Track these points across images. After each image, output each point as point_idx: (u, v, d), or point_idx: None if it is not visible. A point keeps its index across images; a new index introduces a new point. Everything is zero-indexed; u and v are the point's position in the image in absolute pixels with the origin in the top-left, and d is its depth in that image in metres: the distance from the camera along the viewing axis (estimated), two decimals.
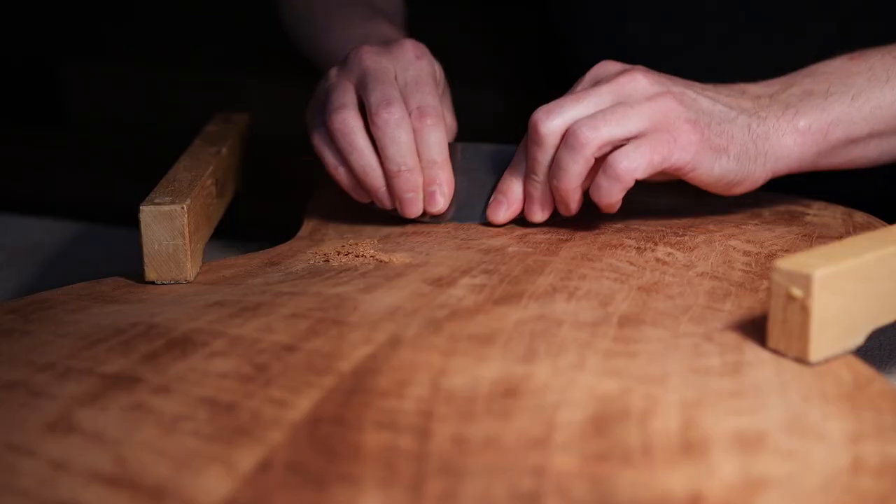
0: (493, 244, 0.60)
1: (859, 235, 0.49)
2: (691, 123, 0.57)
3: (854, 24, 0.78)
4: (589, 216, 0.65)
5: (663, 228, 0.62)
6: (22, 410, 0.41)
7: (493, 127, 1.20)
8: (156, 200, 0.57)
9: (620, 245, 0.59)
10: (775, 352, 0.46)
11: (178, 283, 0.57)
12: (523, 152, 0.61)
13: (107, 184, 1.31)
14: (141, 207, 0.56)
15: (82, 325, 0.50)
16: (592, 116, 0.57)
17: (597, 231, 0.62)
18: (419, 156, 0.62)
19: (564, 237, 0.61)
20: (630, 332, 0.47)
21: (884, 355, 0.58)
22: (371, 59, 0.63)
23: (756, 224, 0.63)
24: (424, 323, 0.48)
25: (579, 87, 0.61)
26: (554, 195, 0.61)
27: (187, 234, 0.56)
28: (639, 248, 0.59)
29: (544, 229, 0.63)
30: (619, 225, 0.63)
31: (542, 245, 0.59)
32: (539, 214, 0.62)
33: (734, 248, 0.59)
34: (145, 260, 0.57)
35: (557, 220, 0.64)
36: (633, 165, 0.57)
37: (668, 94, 0.58)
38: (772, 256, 0.58)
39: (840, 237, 0.61)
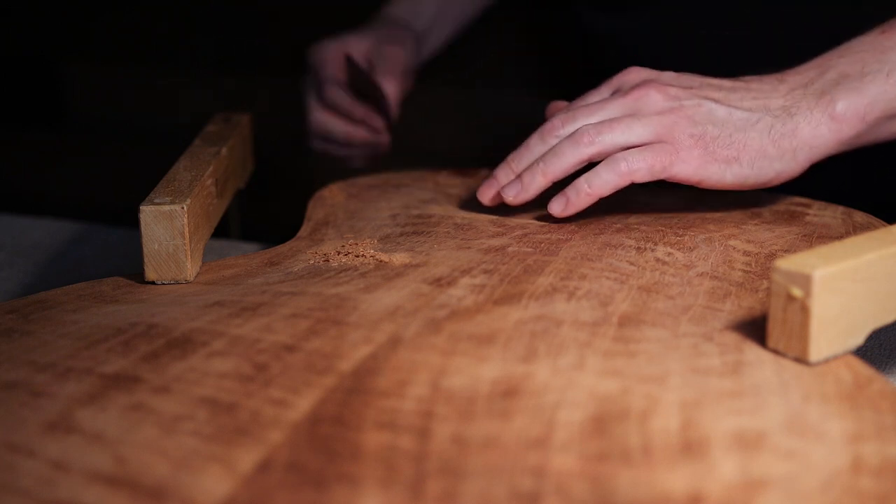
0: (493, 244, 0.60)
1: (859, 235, 0.49)
2: (695, 139, 0.61)
3: None
4: (589, 216, 0.65)
5: (663, 228, 0.62)
6: (22, 410, 0.41)
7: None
8: (156, 200, 0.57)
9: (620, 245, 0.59)
10: (775, 352, 0.46)
11: (178, 283, 0.57)
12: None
13: (107, 184, 1.31)
14: (141, 207, 0.56)
15: (82, 325, 0.50)
16: (600, 123, 0.62)
17: (597, 231, 0.62)
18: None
19: (564, 237, 0.61)
20: (630, 332, 0.47)
21: (884, 355, 0.58)
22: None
23: (756, 224, 0.63)
24: (424, 323, 0.48)
25: (596, 96, 0.65)
26: (524, 178, 0.63)
27: (187, 234, 0.56)
28: (639, 248, 0.59)
29: (544, 229, 0.63)
30: (618, 225, 0.63)
31: (542, 245, 0.59)
32: (489, 199, 0.66)
33: (734, 248, 0.59)
34: (145, 260, 0.57)
35: (557, 220, 0.64)
36: (634, 167, 0.60)
37: (677, 110, 0.62)
38: (772, 256, 0.58)
39: (840, 237, 0.61)
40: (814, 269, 0.44)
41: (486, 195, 0.66)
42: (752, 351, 0.46)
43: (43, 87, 1.36)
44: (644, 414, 0.40)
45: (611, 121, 0.62)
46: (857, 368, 0.44)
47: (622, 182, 0.61)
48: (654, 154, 0.60)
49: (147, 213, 0.56)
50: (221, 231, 0.71)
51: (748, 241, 0.60)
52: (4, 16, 1.34)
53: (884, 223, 0.63)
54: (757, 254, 0.59)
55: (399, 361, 0.44)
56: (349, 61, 0.87)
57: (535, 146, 0.64)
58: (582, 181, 0.61)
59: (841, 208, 0.67)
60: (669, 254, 0.58)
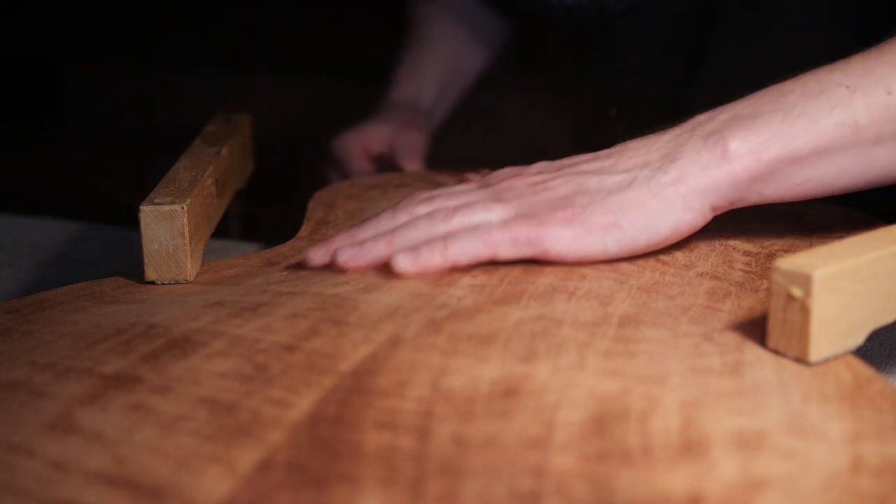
0: None
1: (859, 235, 0.49)
2: (563, 211, 0.55)
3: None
4: None
5: None
6: (22, 410, 0.41)
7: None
8: (156, 200, 0.57)
9: None
10: (775, 352, 0.46)
11: (178, 283, 0.57)
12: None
13: (107, 184, 1.31)
14: (141, 207, 0.56)
15: (82, 325, 0.50)
16: (458, 205, 0.57)
17: None
18: None
19: None
20: (630, 332, 0.47)
21: (884, 355, 0.58)
22: None
23: (756, 224, 0.63)
24: (424, 323, 0.48)
25: (462, 187, 0.61)
26: (365, 244, 0.56)
27: (187, 234, 0.56)
28: None
29: None
30: None
31: None
32: (318, 259, 0.57)
33: (734, 248, 0.59)
34: (145, 260, 0.57)
35: None
36: (497, 238, 0.55)
37: (542, 192, 0.57)
38: (772, 256, 0.58)
39: (840, 237, 0.61)
40: (814, 269, 0.44)
41: (315, 255, 0.57)
42: (752, 351, 0.46)
43: (43, 87, 1.36)
44: (644, 414, 0.40)
45: (469, 203, 0.57)
46: (857, 368, 0.44)
47: (482, 252, 0.55)
48: (519, 226, 0.55)
49: (147, 213, 0.56)
50: (221, 231, 0.71)
51: (748, 241, 0.60)
52: (4, 16, 1.34)
53: (884, 223, 0.63)
54: (757, 254, 0.59)
55: (399, 361, 0.44)
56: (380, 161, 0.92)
57: (384, 221, 0.58)
58: (439, 240, 0.55)
59: (841, 208, 0.67)
60: (669, 254, 0.58)
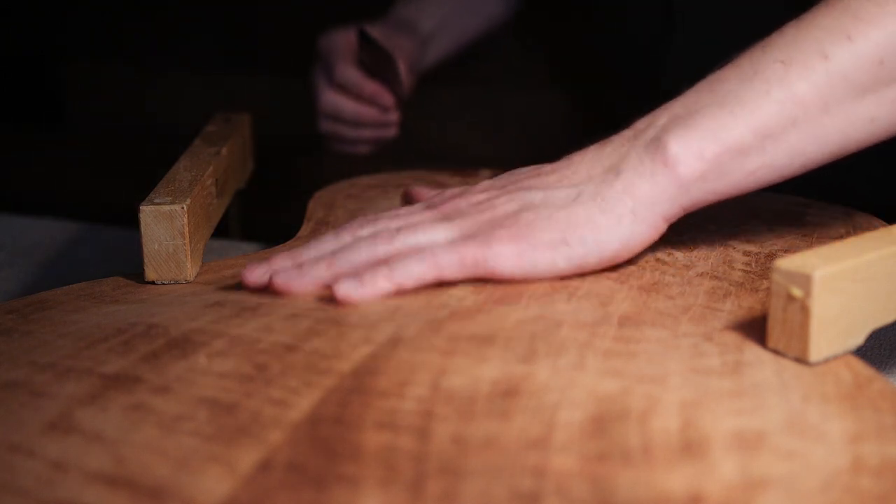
0: None
1: (859, 235, 0.49)
2: (507, 229, 0.53)
3: None
4: None
5: None
6: (22, 410, 0.41)
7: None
8: (156, 200, 0.57)
9: None
10: (775, 352, 0.46)
11: (178, 283, 0.57)
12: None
13: (107, 184, 1.31)
14: (141, 207, 0.56)
15: (82, 325, 0.50)
16: (400, 226, 0.55)
17: None
18: None
19: None
20: (630, 332, 0.47)
21: (884, 355, 0.58)
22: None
23: (756, 224, 0.64)
24: (424, 323, 0.48)
25: (406, 209, 0.58)
26: (304, 266, 0.54)
27: (187, 234, 0.56)
28: None
29: None
30: None
31: None
32: (255, 278, 0.54)
33: (734, 248, 0.59)
34: (145, 260, 0.57)
35: None
36: (443, 261, 0.53)
37: (487, 210, 0.55)
38: (772, 256, 0.58)
39: (840, 237, 0.61)
40: (814, 269, 0.44)
41: (252, 274, 0.54)
42: (752, 351, 0.46)
43: (43, 87, 1.36)
44: (644, 414, 0.40)
45: (412, 224, 0.55)
46: (857, 368, 0.44)
47: (428, 274, 0.52)
48: (465, 247, 0.53)
49: (147, 213, 0.56)
50: (221, 231, 0.71)
51: (748, 241, 0.60)
52: (4, 16, 1.34)
53: (884, 223, 0.63)
54: (757, 254, 0.59)
55: (399, 361, 0.44)
56: (361, 34, 0.86)
57: (326, 242, 0.56)
58: (383, 265, 0.52)
59: (841, 208, 0.67)
60: (669, 254, 0.58)
